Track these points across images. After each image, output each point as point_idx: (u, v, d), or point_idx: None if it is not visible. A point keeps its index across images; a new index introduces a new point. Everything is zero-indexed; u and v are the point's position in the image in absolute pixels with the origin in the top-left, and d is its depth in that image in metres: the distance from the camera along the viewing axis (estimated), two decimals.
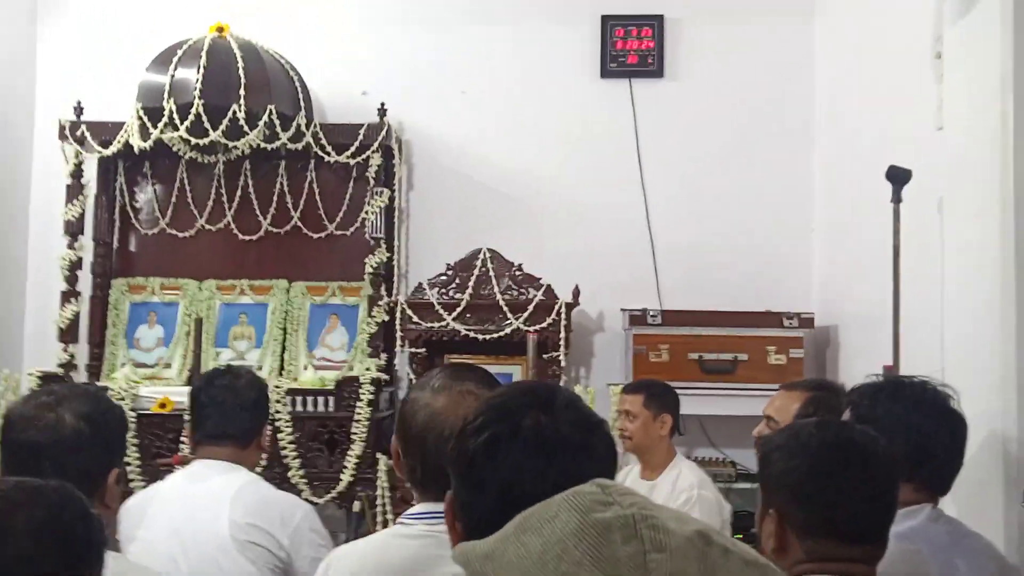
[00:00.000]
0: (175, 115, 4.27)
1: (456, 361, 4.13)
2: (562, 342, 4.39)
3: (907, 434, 1.87)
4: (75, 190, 4.63)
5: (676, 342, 4.35)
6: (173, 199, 4.87)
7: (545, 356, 4.35)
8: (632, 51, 4.89)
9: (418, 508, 1.54)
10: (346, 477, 4.18)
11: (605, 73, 4.91)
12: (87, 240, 4.71)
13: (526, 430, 1.12)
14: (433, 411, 1.52)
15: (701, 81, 4.89)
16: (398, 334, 4.49)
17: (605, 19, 4.90)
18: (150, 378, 4.58)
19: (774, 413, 2.62)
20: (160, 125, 4.31)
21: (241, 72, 4.32)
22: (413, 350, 4.47)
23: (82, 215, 4.65)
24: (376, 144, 4.55)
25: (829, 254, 4.60)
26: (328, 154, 4.56)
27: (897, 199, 2.87)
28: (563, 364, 4.40)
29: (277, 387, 4.23)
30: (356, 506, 4.16)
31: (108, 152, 4.55)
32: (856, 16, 4.07)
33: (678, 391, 3.60)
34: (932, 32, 3.02)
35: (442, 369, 1.64)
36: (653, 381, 3.65)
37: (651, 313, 4.42)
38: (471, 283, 4.48)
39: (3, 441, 1.78)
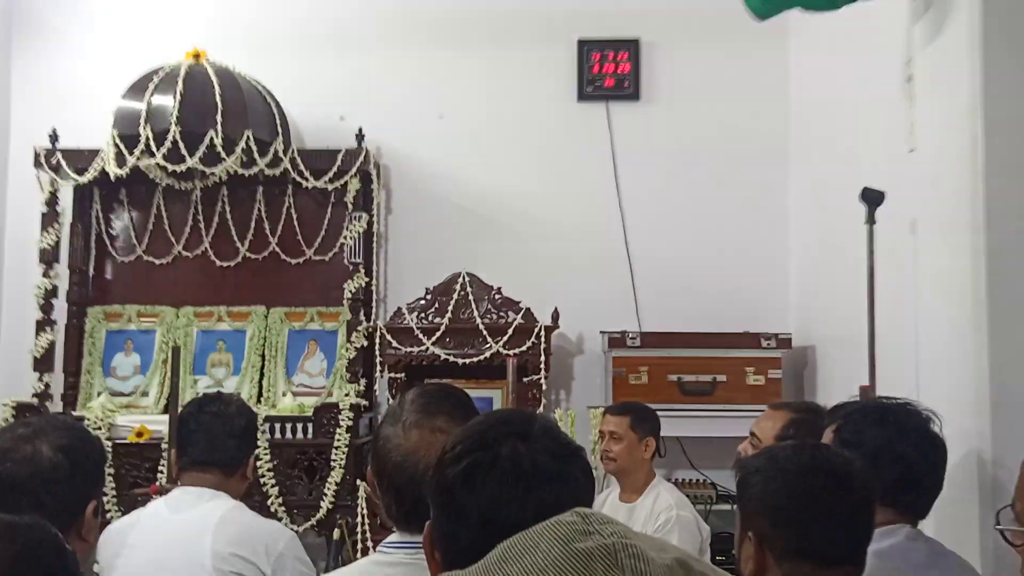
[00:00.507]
0: (152, 142, 4.27)
1: (429, 384, 4.12)
2: (542, 365, 4.40)
3: (891, 459, 1.89)
4: (50, 218, 4.61)
5: (655, 364, 4.37)
6: (150, 226, 4.86)
7: (525, 379, 4.36)
8: (608, 75, 4.94)
9: (396, 537, 1.54)
10: (325, 504, 4.16)
11: (582, 96, 4.95)
12: (62, 268, 4.70)
13: (504, 459, 1.13)
14: (405, 452, 1.51)
15: (677, 104, 4.94)
16: (377, 359, 4.49)
17: (581, 43, 4.95)
18: (127, 407, 4.55)
19: (758, 431, 2.64)
20: (136, 152, 4.30)
21: (218, 98, 4.33)
22: (393, 375, 4.47)
23: (57, 243, 4.64)
24: (354, 169, 4.57)
25: (805, 275, 4.64)
26: (306, 179, 4.57)
27: (871, 220, 2.90)
28: (543, 387, 4.41)
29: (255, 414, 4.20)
30: (336, 534, 4.13)
31: (84, 179, 4.54)
32: (829, 40, 4.14)
33: (658, 413, 3.61)
34: (903, 56, 3.08)
35: (414, 397, 1.60)
36: (638, 404, 3.67)
37: (630, 335, 4.44)
38: (450, 307, 4.49)
39: None
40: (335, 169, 4.56)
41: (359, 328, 4.51)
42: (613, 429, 3.46)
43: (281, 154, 4.49)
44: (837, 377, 4.00)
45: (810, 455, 1.59)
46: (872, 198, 2.92)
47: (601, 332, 4.55)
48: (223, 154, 4.30)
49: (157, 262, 4.85)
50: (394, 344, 4.44)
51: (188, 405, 2.56)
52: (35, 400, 4.43)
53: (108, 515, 3.83)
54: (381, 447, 1.56)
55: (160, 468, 3.98)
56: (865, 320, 2.90)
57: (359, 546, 4.08)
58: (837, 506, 1.53)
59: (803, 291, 4.67)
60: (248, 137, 4.35)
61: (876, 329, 2.87)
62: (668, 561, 0.76)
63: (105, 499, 4.01)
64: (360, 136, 4.63)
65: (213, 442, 2.39)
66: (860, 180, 3.03)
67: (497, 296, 4.54)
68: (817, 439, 1.98)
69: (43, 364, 4.56)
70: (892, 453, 1.90)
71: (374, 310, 4.78)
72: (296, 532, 3.76)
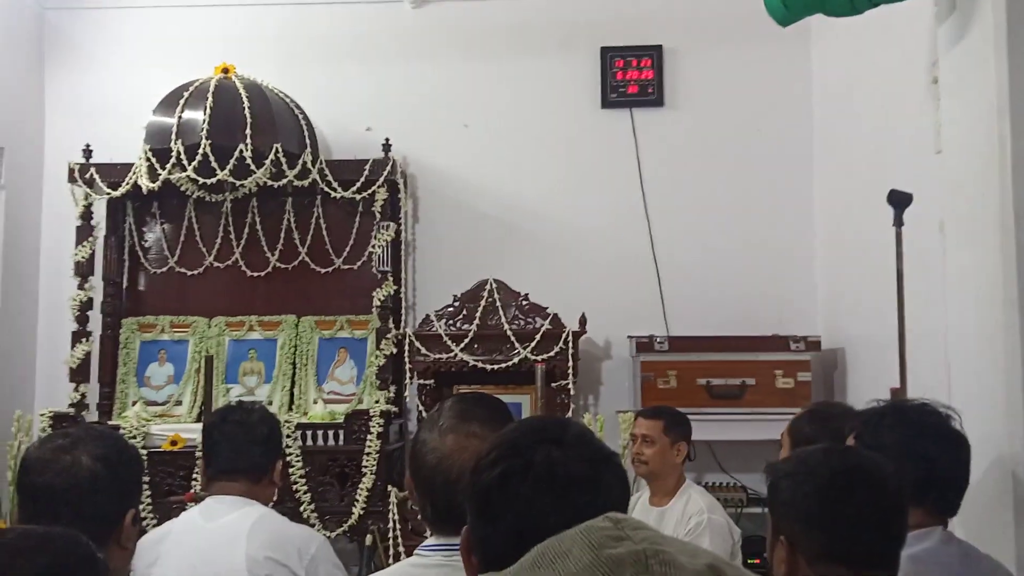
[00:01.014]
0: (183, 156, 4.32)
1: (466, 392, 4.14)
2: (570, 370, 4.40)
3: (913, 460, 1.87)
4: (85, 231, 4.68)
5: (684, 368, 4.36)
6: (182, 238, 4.91)
7: (554, 385, 4.36)
8: (632, 81, 4.94)
9: (433, 540, 1.56)
10: (357, 510, 4.19)
11: (606, 103, 4.96)
12: (97, 280, 4.76)
13: (538, 465, 1.14)
14: (441, 455, 1.54)
15: (701, 109, 4.93)
16: (407, 366, 4.51)
17: (604, 50, 4.95)
18: (161, 416, 4.60)
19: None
20: (168, 166, 4.36)
21: (247, 112, 4.37)
22: (422, 382, 4.48)
23: (92, 256, 4.70)
24: (381, 179, 4.59)
25: (833, 277, 4.61)
26: (334, 190, 4.60)
27: (899, 222, 2.88)
28: (572, 392, 4.41)
29: (287, 422, 4.24)
30: (368, 539, 4.15)
31: (117, 193, 4.60)
32: (852, 42, 4.12)
33: (688, 417, 3.60)
34: (928, 57, 3.05)
35: (451, 404, 1.64)
36: (671, 408, 3.66)
37: (658, 339, 4.43)
38: (478, 314, 4.50)
39: (19, 485, 1.79)
40: (363, 179, 4.59)
41: (388, 336, 4.53)
42: (646, 432, 3.45)
43: (309, 165, 4.53)
44: (867, 379, 3.97)
45: (841, 458, 1.59)
46: (899, 200, 2.90)
47: (629, 337, 4.55)
48: (252, 166, 4.34)
49: (189, 273, 4.91)
50: (423, 351, 4.46)
51: (211, 416, 2.59)
52: (71, 410, 4.49)
53: (144, 523, 3.87)
54: (418, 451, 1.59)
55: (194, 476, 4.02)
56: (895, 322, 2.87)
57: (391, 552, 4.09)
58: (869, 509, 1.52)
59: (831, 293, 4.64)
60: (277, 149, 4.39)
61: (906, 331, 2.85)
62: (700, 567, 0.76)
63: (141, 508, 4.05)
64: (387, 146, 4.66)
65: (237, 451, 2.41)
66: (887, 182, 3.00)
67: (524, 302, 4.54)
68: (840, 441, 1.97)
69: (79, 375, 4.62)
70: (913, 453, 1.88)
71: (403, 318, 4.81)
72: (328, 538, 3.79)
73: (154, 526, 3.15)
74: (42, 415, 4.35)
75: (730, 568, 0.78)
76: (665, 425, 3.43)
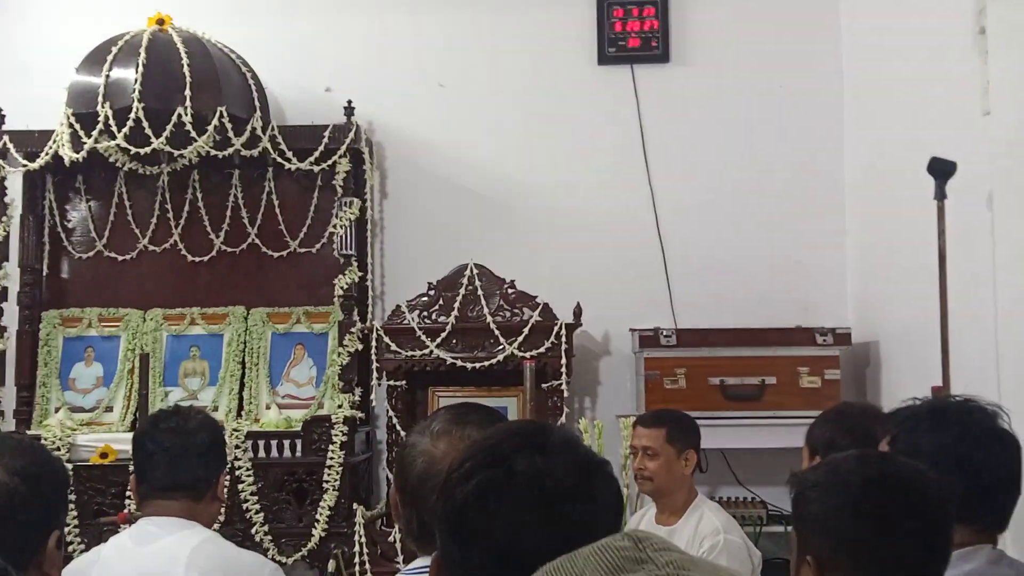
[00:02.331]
0: (111, 121, 4.29)
1: (462, 402, 4.16)
2: (563, 369, 4.40)
3: (956, 467, 1.88)
4: None
5: (694, 365, 4.37)
6: (111, 217, 4.88)
7: (544, 385, 4.36)
8: (633, 33, 4.93)
9: (420, 562, 1.56)
10: (318, 532, 4.18)
11: (603, 59, 4.95)
12: (12, 267, 4.72)
13: (520, 476, 1.13)
14: (432, 458, 1.55)
15: (712, 65, 4.93)
16: (374, 365, 4.50)
17: None
18: (88, 424, 4.58)
19: None
20: (94, 133, 4.33)
21: (186, 70, 4.34)
22: (392, 383, 4.48)
23: (6, 238, 4.67)
24: (343, 148, 4.57)
25: (865, 260, 4.63)
26: (288, 160, 4.58)
27: (941, 195, 2.89)
28: (565, 394, 4.42)
29: (236, 430, 4.23)
30: (331, 566, 4.15)
31: (35, 165, 4.56)
32: None
33: (699, 422, 3.61)
34: (974, 5, 3.06)
35: (445, 410, 1.69)
36: (674, 412, 3.66)
37: (664, 333, 4.44)
38: (457, 304, 4.49)
39: None
40: (321, 148, 4.57)
41: (352, 330, 4.52)
42: (647, 444, 3.45)
43: (259, 132, 4.51)
44: (905, 377, 3.99)
45: (877, 466, 1.59)
46: (941, 170, 2.91)
47: (631, 330, 4.55)
48: (193, 133, 4.32)
49: (120, 258, 4.88)
50: (393, 347, 4.45)
51: (143, 424, 2.57)
52: None
53: (70, 548, 3.86)
54: (406, 455, 1.61)
55: (128, 493, 4.00)
56: (936, 310, 2.88)
57: None
58: (909, 525, 1.52)
59: (863, 278, 4.66)
60: (221, 113, 4.37)
61: (949, 320, 2.86)
62: None
63: (66, 529, 4.03)
64: (349, 110, 4.63)
65: (175, 464, 2.39)
66: (927, 150, 3.02)
67: (510, 290, 4.54)
68: (872, 445, 1.98)
69: None
70: (955, 459, 1.88)
71: (369, 309, 4.80)
72: (283, 565, 3.78)
73: (81, 551, 3.13)
74: None
75: None
76: (668, 433, 3.42)
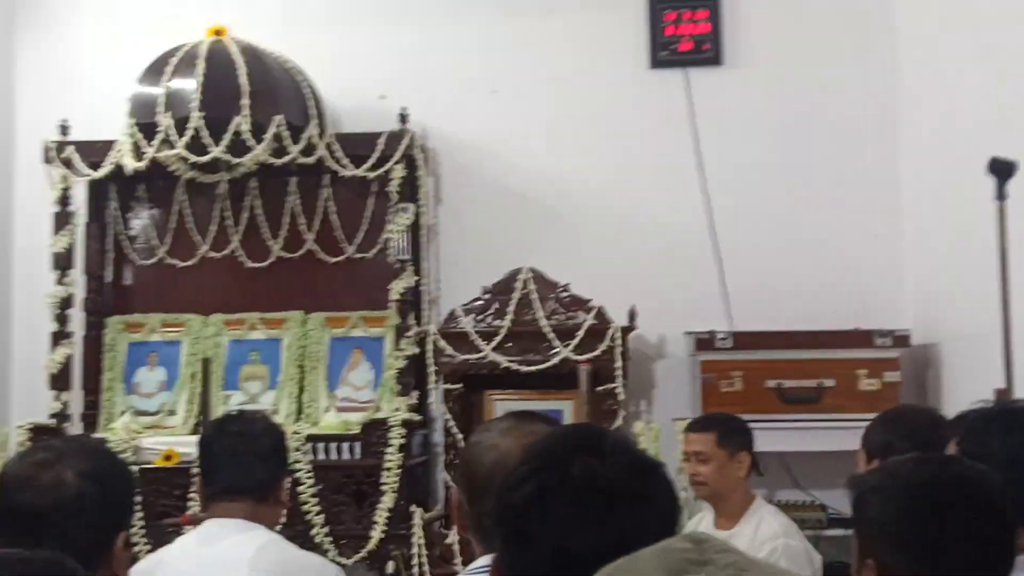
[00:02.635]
0: (172, 131, 4.36)
1: (521, 410, 4.20)
2: (618, 372, 4.39)
3: None
4: (63, 219, 4.73)
5: (750, 368, 4.33)
6: (172, 225, 4.96)
7: (599, 389, 4.35)
8: (686, 36, 4.91)
9: (481, 562, 1.57)
10: (376, 534, 4.21)
11: (655, 63, 4.93)
12: (78, 274, 4.81)
13: (576, 478, 1.14)
14: (500, 452, 1.57)
15: (766, 68, 4.89)
16: (430, 368, 4.53)
17: (653, 1, 4.92)
18: (152, 427, 4.65)
19: None
20: (155, 143, 4.40)
21: (244, 80, 4.40)
22: (448, 386, 4.50)
23: (71, 246, 4.75)
24: (398, 154, 4.61)
25: (925, 262, 4.57)
26: (344, 168, 4.63)
27: (1001, 195, 2.85)
28: (620, 397, 4.40)
29: (295, 433, 4.27)
30: (390, 567, 4.18)
31: (98, 175, 4.66)
32: None
33: (755, 425, 3.58)
34: None
35: (506, 415, 1.74)
36: (722, 415, 3.64)
37: (720, 336, 4.41)
38: (511, 308, 4.50)
39: None
40: (377, 155, 4.61)
41: (408, 334, 4.55)
42: (698, 449, 3.43)
43: (316, 140, 4.56)
44: (967, 380, 3.93)
45: (937, 468, 1.57)
46: (1002, 169, 2.87)
47: (686, 333, 4.53)
48: (251, 142, 4.38)
49: (181, 265, 4.96)
50: (448, 351, 4.47)
51: (208, 427, 2.61)
52: (52, 422, 4.55)
53: (136, 549, 3.93)
54: (471, 451, 1.64)
55: (191, 495, 4.07)
56: (998, 312, 2.84)
57: None
58: (970, 528, 1.51)
59: (923, 280, 4.60)
60: (278, 122, 4.42)
61: (1011, 322, 2.82)
62: None
63: (132, 531, 4.10)
64: (403, 116, 4.67)
65: (240, 467, 2.43)
66: (986, 149, 2.97)
67: (564, 294, 4.54)
68: (938, 450, 1.96)
69: (60, 381, 4.68)
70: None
71: (425, 313, 4.82)
72: (344, 566, 3.81)
73: (147, 552, 3.19)
74: (20, 428, 4.41)
75: None
76: (718, 437, 3.40)
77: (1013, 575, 1.57)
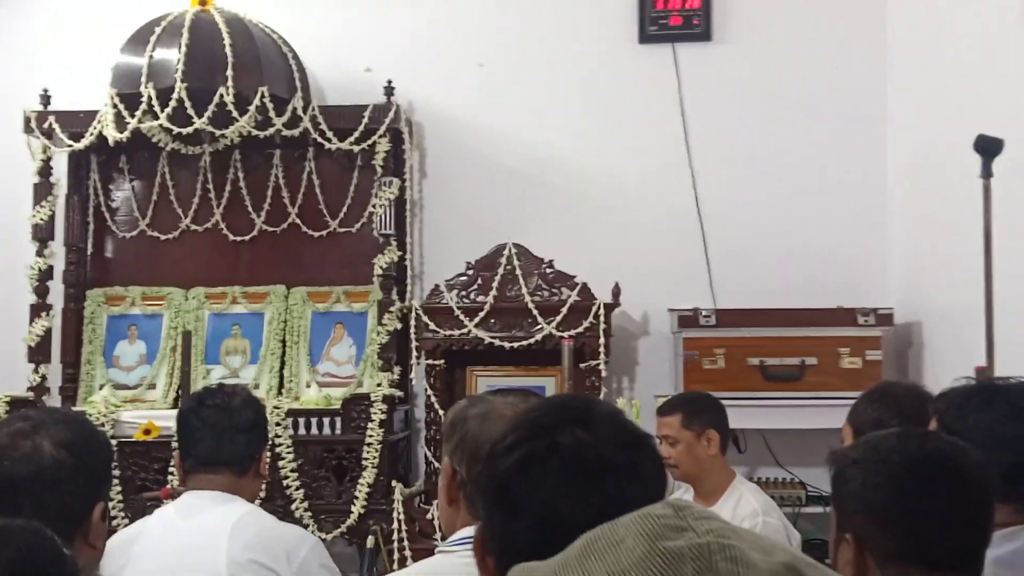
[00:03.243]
0: (154, 101, 4.33)
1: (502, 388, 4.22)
2: (602, 348, 4.40)
3: (1005, 447, 1.87)
4: (43, 190, 4.70)
5: (733, 346, 4.35)
6: (154, 197, 4.93)
7: (582, 365, 4.36)
8: (675, 11, 4.89)
9: (461, 533, 1.57)
10: (357, 509, 4.22)
11: (644, 38, 4.91)
12: (58, 246, 4.78)
13: (563, 448, 1.14)
14: (486, 409, 1.62)
15: (755, 45, 4.88)
16: (413, 344, 4.52)
17: None
18: (132, 401, 4.64)
19: None
20: (138, 113, 4.36)
21: (228, 50, 4.37)
22: (430, 362, 4.50)
23: (52, 218, 4.72)
24: (383, 127, 4.59)
25: (909, 240, 4.58)
26: (329, 140, 4.60)
27: (987, 174, 2.86)
28: (603, 374, 4.42)
29: (276, 408, 4.27)
30: (369, 542, 4.19)
31: (80, 145, 4.62)
32: None
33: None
34: None
35: (501, 390, 1.78)
36: (688, 395, 3.66)
37: (703, 313, 4.42)
38: (495, 284, 4.50)
39: None
40: (361, 128, 4.58)
41: (392, 309, 4.54)
42: (665, 432, 3.44)
43: (300, 112, 4.53)
44: (949, 358, 3.95)
45: (917, 443, 1.58)
46: (988, 147, 2.87)
47: (669, 310, 4.53)
48: (235, 114, 4.34)
49: (163, 238, 4.93)
50: (431, 327, 4.47)
51: (188, 400, 2.61)
52: (31, 394, 4.54)
53: (114, 522, 3.92)
54: (474, 424, 1.65)
55: (171, 469, 4.06)
56: (981, 290, 2.85)
57: (395, 556, 4.13)
58: (950, 502, 1.51)
59: (906, 259, 4.61)
60: (263, 93, 4.39)
61: (994, 301, 2.83)
62: (774, 566, 0.75)
63: (111, 504, 4.10)
64: (389, 89, 4.64)
65: (219, 440, 2.44)
66: (973, 128, 2.97)
67: (549, 270, 4.54)
68: (921, 425, 1.97)
69: (38, 354, 4.67)
70: (1004, 438, 1.88)
71: (408, 288, 4.82)
72: (323, 540, 3.82)
73: (125, 525, 3.18)
74: None
75: (811, 568, 0.77)
76: (683, 418, 3.41)
77: (990, 550, 1.58)
